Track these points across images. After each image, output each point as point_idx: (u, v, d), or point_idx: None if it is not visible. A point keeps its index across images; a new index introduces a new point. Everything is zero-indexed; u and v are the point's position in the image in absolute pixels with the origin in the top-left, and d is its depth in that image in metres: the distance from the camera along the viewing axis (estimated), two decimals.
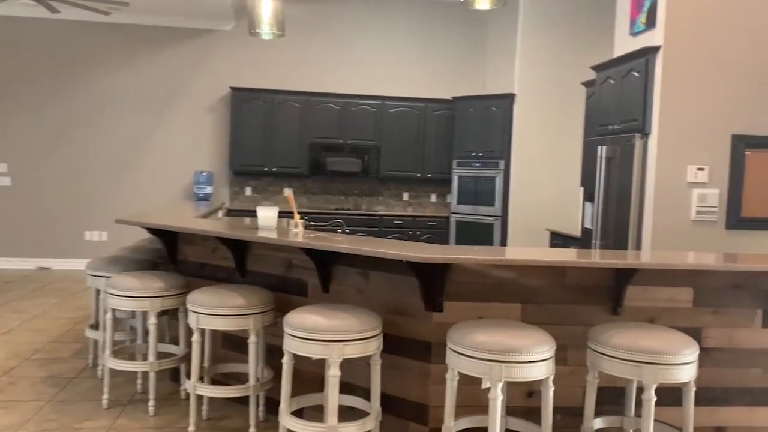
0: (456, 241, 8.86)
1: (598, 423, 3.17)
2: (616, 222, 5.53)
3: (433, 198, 9.65)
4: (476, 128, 8.78)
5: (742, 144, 5.18)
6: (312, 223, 4.14)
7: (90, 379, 4.43)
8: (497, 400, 2.73)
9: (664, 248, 5.17)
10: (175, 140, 9.19)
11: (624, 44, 6.21)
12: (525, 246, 8.16)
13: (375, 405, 3.18)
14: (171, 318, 4.38)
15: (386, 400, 3.34)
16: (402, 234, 8.91)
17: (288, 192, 4.02)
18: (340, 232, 4.30)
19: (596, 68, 6.15)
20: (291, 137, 9.06)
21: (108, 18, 8.57)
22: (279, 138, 9.03)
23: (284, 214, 4.27)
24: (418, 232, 8.98)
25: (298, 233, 3.78)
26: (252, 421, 3.52)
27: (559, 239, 6.94)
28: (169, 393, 4.20)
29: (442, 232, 9.01)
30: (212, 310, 3.40)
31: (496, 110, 8.57)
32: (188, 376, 3.63)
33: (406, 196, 9.63)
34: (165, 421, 3.78)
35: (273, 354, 3.82)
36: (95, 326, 4.58)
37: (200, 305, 3.43)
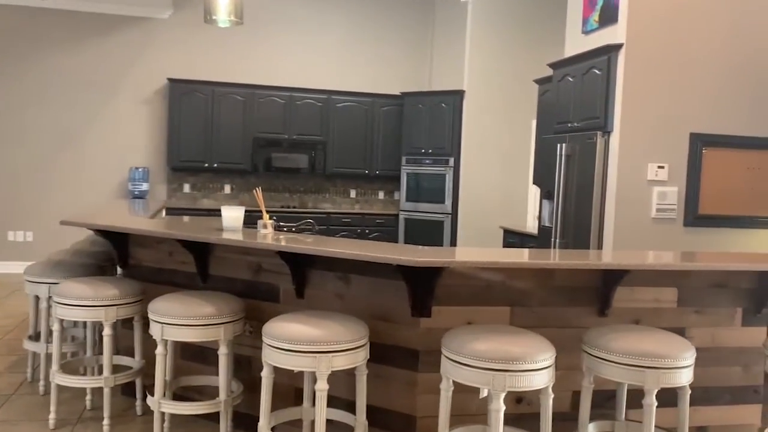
0: (405, 239, 8.73)
1: (590, 429, 3.08)
2: (576, 220, 5.51)
3: (381, 195, 9.49)
4: (425, 125, 8.67)
5: (699, 142, 5.25)
6: (282, 223, 3.89)
7: (30, 396, 4.03)
8: (500, 411, 2.58)
9: (625, 246, 5.18)
10: (109, 134, 8.66)
11: (576, 42, 6.22)
12: (477, 244, 8.12)
13: (361, 418, 2.98)
14: (122, 326, 4.04)
15: (370, 412, 3.14)
16: (350, 232, 8.70)
17: (256, 191, 3.73)
18: (311, 233, 4.07)
19: (553, 65, 6.12)
20: (233, 132, 8.69)
21: (34, 2, 7.97)
22: (220, 132, 8.65)
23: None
24: (366, 230, 8.79)
25: (267, 234, 3.53)
26: None
27: (514, 237, 6.91)
28: (123, 409, 3.86)
29: (391, 230, 8.86)
30: (179, 320, 3.11)
31: (446, 106, 8.48)
32: (149, 391, 3.32)
33: (353, 194, 9.42)
34: None
35: (239, 365, 3.56)
36: (35, 337, 4.18)
37: (165, 315, 3.13)
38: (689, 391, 2.89)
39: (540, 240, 6.11)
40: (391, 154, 9.06)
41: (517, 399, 3.20)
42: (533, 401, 3.16)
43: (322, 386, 2.75)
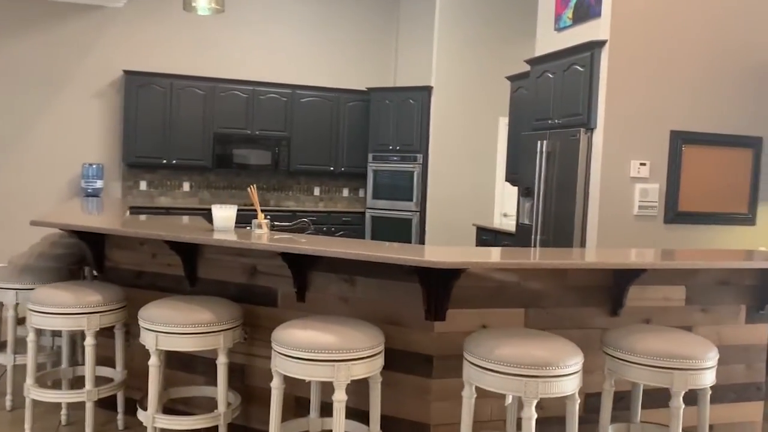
0: (372, 237, 8.58)
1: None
2: (557, 217, 5.48)
3: (346, 193, 9.31)
4: (392, 121, 8.53)
5: (679, 139, 5.28)
6: (276, 222, 3.68)
7: None
8: (532, 419, 2.47)
9: (608, 243, 5.18)
10: (59, 129, 8.18)
11: (548, 39, 6.21)
12: (446, 243, 8.04)
13: (375, 428, 2.82)
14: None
15: (381, 421, 2.98)
16: (316, 230, 8.46)
17: (251, 188, 3.52)
18: (308, 233, 3.87)
19: (531, 62, 6.08)
20: (193, 127, 8.35)
21: None
22: (179, 127, 8.30)
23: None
24: (332, 228, 8.59)
25: (263, 235, 3.32)
26: None
27: (488, 235, 6.85)
28: (101, 424, 3.58)
29: (358, 228, 8.69)
30: (175, 328, 2.88)
31: (414, 102, 8.36)
32: (140, 404, 3.08)
33: (317, 191, 9.21)
34: None
35: (231, 373, 3.34)
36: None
37: (160, 323, 2.89)
38: (709, 392, 2.84)
39: (518, 238, 6.06)
40: (357, 150, 8.88)
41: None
42: (546, 406, 3.06)
43: (340, 397, 2.57)
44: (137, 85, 8.12)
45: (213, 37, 8.61)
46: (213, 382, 3.43)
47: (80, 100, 8.23)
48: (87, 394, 3.19)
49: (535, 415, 2.48)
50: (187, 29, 8.47)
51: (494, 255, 2.90)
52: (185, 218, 5.14)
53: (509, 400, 2.64)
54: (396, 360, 3.00)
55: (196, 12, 4.15)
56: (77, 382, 3.57)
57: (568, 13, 6.29)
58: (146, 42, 8.37)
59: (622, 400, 3.18)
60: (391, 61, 9.31)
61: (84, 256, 4.71)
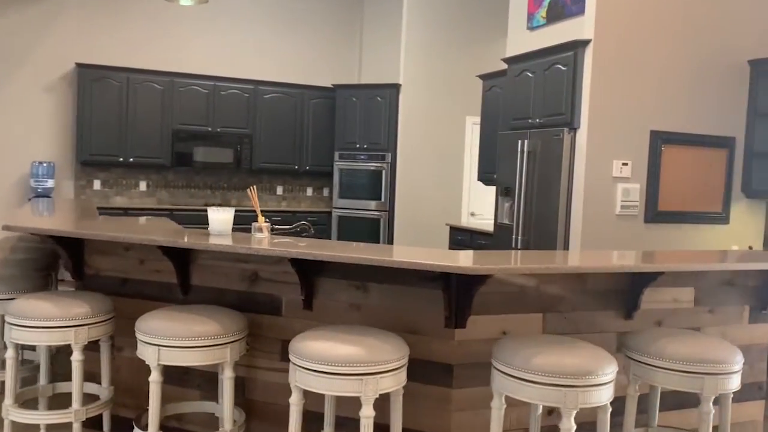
0: (339, 237, 8.40)
1: None
2: (538, 217, 5.44)
3: (310, 192, 9.09)
4: (359, 119, 8.36)
5: (659, 139, 5.32)
6: (276, 226, 3.47)
7: None
8: (571, 430, 2.37)
9: (590, 243, 5.17)
10: (7, 125, 7.68)
11: (520, 38, 6.20)
12: (416, 243, 7.94)
13: None
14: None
15: None
16: (282, 231, 8.23)
17: (251, 189, 3.32)
18: (306, 236, 3.68)
19: (508, 61, 6.02)
20: (151, 123, 7.99)
21: None
22: (136, 124, 7.92)
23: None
24: (297, 229, 8.34)
25: (264, 239, 3.13)
26: None
27: (463, 235, 6.77)
28: None
29: (324, 228, 8.49)
30: (179, 341, 2.66)
31: (381, 100, 8.22)
32: (138, 424, 2.85)
33: (280, 190, 8.96)
34: None
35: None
36: None
37: (162, 336, 2.67)
38: (731, 395, 2.82)
39: (497, 238, 6.01)
40: (322, 149, 8.68)
41: (548, 411, 3.01)
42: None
43: (368, 413, 2.42)
44: (91, 79, 7.70)
45: (172, 30, 8.25)
46: (210, 396, 3.23)
47: (29, 94, 7.75)
48: (74, 414, 2.93)
49: (575, 427, 2.38)
50: (144, 20, 8.09)
51: (522, 259, 2.80)
52: (142, 219, 4.88)
53: (540, 410, 2.55)
54: (414, 370, 2.85)
55: (179, 3, 3.90)
56: (59, 401, 3.28)
57: (542, 12, 6.28)
58: (101, 33, 7.95)
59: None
60: (356, 58, 9.14)
61: (51, 263, 4.40)
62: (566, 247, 5.23)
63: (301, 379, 2.48)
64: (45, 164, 7.62)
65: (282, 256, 2.85)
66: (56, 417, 2.98)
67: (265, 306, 3.14)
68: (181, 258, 3.22)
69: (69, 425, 2.98)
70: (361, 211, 8.34)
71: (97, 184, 8.09)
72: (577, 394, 2.36)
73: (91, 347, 3.23)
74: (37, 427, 3.28)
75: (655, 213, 5.34)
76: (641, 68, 5.19)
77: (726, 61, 5.43)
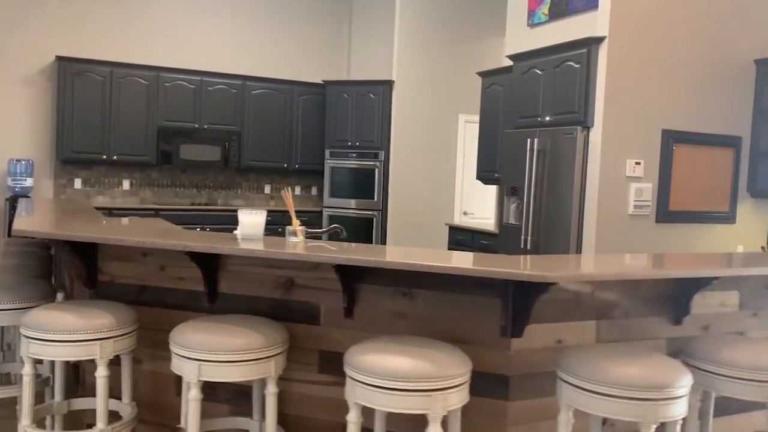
0: (330, 237, 8.18)
1: None
2: (548, 217, 5.35)
3: (298, 191, 8.86)
4: (351, 116, 8.17)
5: (671, 138, 5.27)
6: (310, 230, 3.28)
7: None
8: None
9: (603, 243, 5.10)
10: None
11: (520, 35, 6.13)
12: (410, 242, 7.80)
13: None
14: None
15: None
16: (271, 231, 8.00)
17: (286, 191, 3.12)
18: (340, 240, 3.50)
19: (514, 57, 5.91)
20: (135, 120, 7.69)
21: None
22: (120, 120, 7.61)
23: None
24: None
25: (298, 243, 2.94)
26: None
27: (463, 235, 6.65)
28: None
29: (315, 228, 8.26)
30: (223, 355, 2.46)
31: (374, 97, 8.04)
32: None
33: (267, 189, 8.72)
34: None
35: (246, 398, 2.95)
36: None
37: (202, 349, 2.47)
38: None
39: (503, 238, 5.90)
40: (311, 146, 8.47)
41: (603, 421, 2.89)
42: (616, 423, 2.88)
43: (436, 431, 2.26)
44: (72, 73, 7.36)
45: (157, 22, 7.94)
46: (240, 412, 3.03)
47: (6, 88, 7.37)
48: None
49: None
50: (129, 12, 7.77)
51: (592, 265, 2.67)
52: (124, 220, 4.62)
53: (600, 422, 2.42)
54: None
55: None
56: (74, 421, 3.05)
57: (544, 9, 6.19)
58: (83, 25, 7.60)
59: None
60: (344, 54, 8.94)
61: (48, 269, 4.15)
62: (579, 248, 5.14)
63: (362, 396, 2.30)
64: (23, 162, 7.26)
65: (326, 262, 2.67)
66: None
67: (301, 314, 2.95)
68: (209, 264, 3.01)
69: None
70: (353, 210, 8.16)
71: (77, 183, 7.75)
72: (657, 408, 2.23)
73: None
74: None
75: (666, 213, 5.29)
76: (654, 66, 5.12)
77: (733, 60, 5.41)
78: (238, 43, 8.36)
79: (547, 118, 5.42)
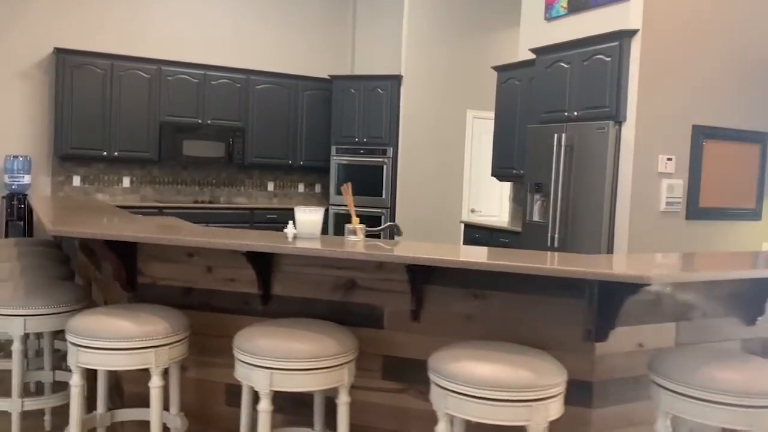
0: (336, 235, 8.01)
1: None
2: (577, 214, 5.23)
3: (301, 188, 8.66)
4: (359, 111, 7.99)
5: (701, 134, 5.18)
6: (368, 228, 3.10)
7: None
8: None
9: (635, 240, 4.99)
10: None
11: (536, 29, 6.04)
12: (420, 240, 7.64)
13: None
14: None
15: None
16: (277, 229, 7.79)
17: (346, 187, 2.94)
18: (397, 238, 3.33)
19: (538, 51, 5.78)
20: (137, 115, 7.43)
21: None
22: (121, 115, 7.35)
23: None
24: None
25: (357, 242, 2.77)
26: None
27: (481, 233, 6.50)
28: None
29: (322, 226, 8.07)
30: (297, 362, 2.28)
31: (382, 92, 7.86)
32: None
33: (270, 186, 8.50)
34: None
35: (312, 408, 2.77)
36: None
37: (274, 356, 2.29)
38: None
39: (526, 236, 5.76)
40: (316, 143, 8.28)
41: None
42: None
43: None
44: (71, 66, 7.08)
45: (160, 14, 7.68)
46: (297, 422, 2.85)
47: (1, 82, 7.06)
48: None
49: None
50: (130, 3, 7.50)
51: (688, 263, 2.53)
52: (139, 218, 4.42)
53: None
54: None
55: None
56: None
57: (563, 2, 6.07)
58: (82, 15, 7.32)
59: None
60: (349, 48, 8.75)
61: (70, 270, 3.93)
62: (610, 245, 5.03)
63: (454, 406, 2.14)
64: (21, 158, 6.98)
65: (402, 262, 2.50)
66: None
67: (363, 318, 2.78)
68: (263, 264, 2.83)
69: None
70: (361, 208, 7.94)
71: (76, 181, 7.47)
72: (765, 416, 2.10)
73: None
74: None
75: (695, 209, 5.20)
76: (685, 60, 5.03)
77: (762, 55, 5.33)
78: (242, 36, 8.13)
79: (575, 113, 5.30)
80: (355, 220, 2.87)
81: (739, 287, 2.90)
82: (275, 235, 2.87)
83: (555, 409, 2.15)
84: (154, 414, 2.52)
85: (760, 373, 2.17)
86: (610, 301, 2.44)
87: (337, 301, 2.82)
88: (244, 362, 2.36)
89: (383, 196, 7.86)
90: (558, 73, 5.52)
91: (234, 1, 8.10)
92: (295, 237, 2.80)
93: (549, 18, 6.24)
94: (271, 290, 2.89)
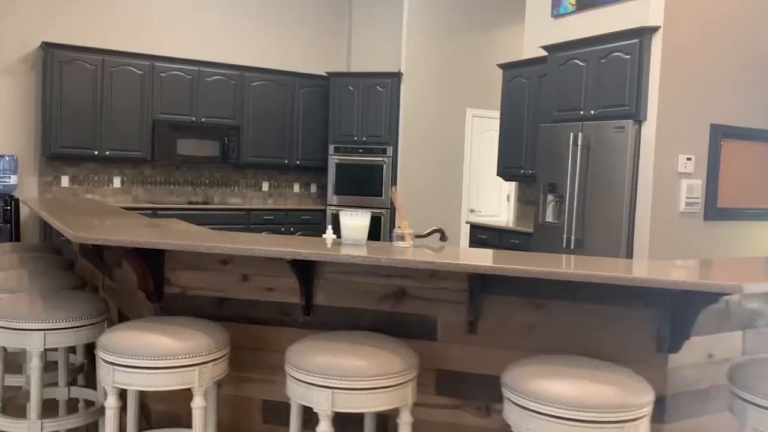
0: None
1: None
2: (594, 214, 5.12)
3: (297, 188, 8.44)
4: (357, 110, 7.80)
5: (719, 133, 5.10)
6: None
7: None
8: None
9: (655, 241, 4.90)
10: None
11: (544, 26, 5.94)
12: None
13: None
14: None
15: None
16: (274, 230, 7.60)
17: (394, 189, 2.75)
18: (442, 242, 3.15)
19: (550, 48, 5.65)
20: (128, 112, 7.15)
21: None
22: (112, 113, 7.07)
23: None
24: (291, 228, 7.74)
25: (408, 249, 2.60)
26: None
27: (488, 234, 6.36)
28: None
29: (319, 227, 7.89)
30: (361, 381, 2.10)
31: (382, 90, 7.69)
32: None
33: (265, 186, 8.27)
34: None
35: (362, 425, 2.60)
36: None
37: (336, 375, 2.10)
38: None
39: (540, 237, 5.63)
40: (313, 141, 8.07)
41: None
42: None
43: None
44: (60, 61, 6.78)
45: (153, 8, 7.41)
46: None
47: None
48: None
49: None
50: None
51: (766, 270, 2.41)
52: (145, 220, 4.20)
53: None
54: None
55: None
56: None
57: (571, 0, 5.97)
58: (72, 8, 7.02)
59: None
60: (345, 44, 8.55)
61: (83, 277, 3.70)
62: (630, 247, 4.93)
63: (538, 428, 1.98)
64: (7, 158, 6.66)
65: (465, 271, 2.34)
66: None
67: (415, 329, 2.61)
68: (305, 272, 2.64)
69: None
70: (360, 208, 7.78)
71: (65, 181, 7.16)
72: None
73: None
74: None
75: (714, 210, 5.12)
76: (705, 58, 4.95)
77: None
78: (237, 31, 7.89)
79: (592, 112, 5.19)
80: (404, 224, 2.70)
81: None
82: (318, 241, 2.69)
83: (644, 429, 2.00)
84: None
85: None
86: (686, 310, 2.31)
87: (386, 311, 2.64)
88: (299, 380, 2.17)
89: (382, 197, 7.69)
90: (573, 71, 5.40)
91: None
92: (336, 242, 2.62)
93: (556, 15, 6.13)
94: (313, 300, 2.70)
